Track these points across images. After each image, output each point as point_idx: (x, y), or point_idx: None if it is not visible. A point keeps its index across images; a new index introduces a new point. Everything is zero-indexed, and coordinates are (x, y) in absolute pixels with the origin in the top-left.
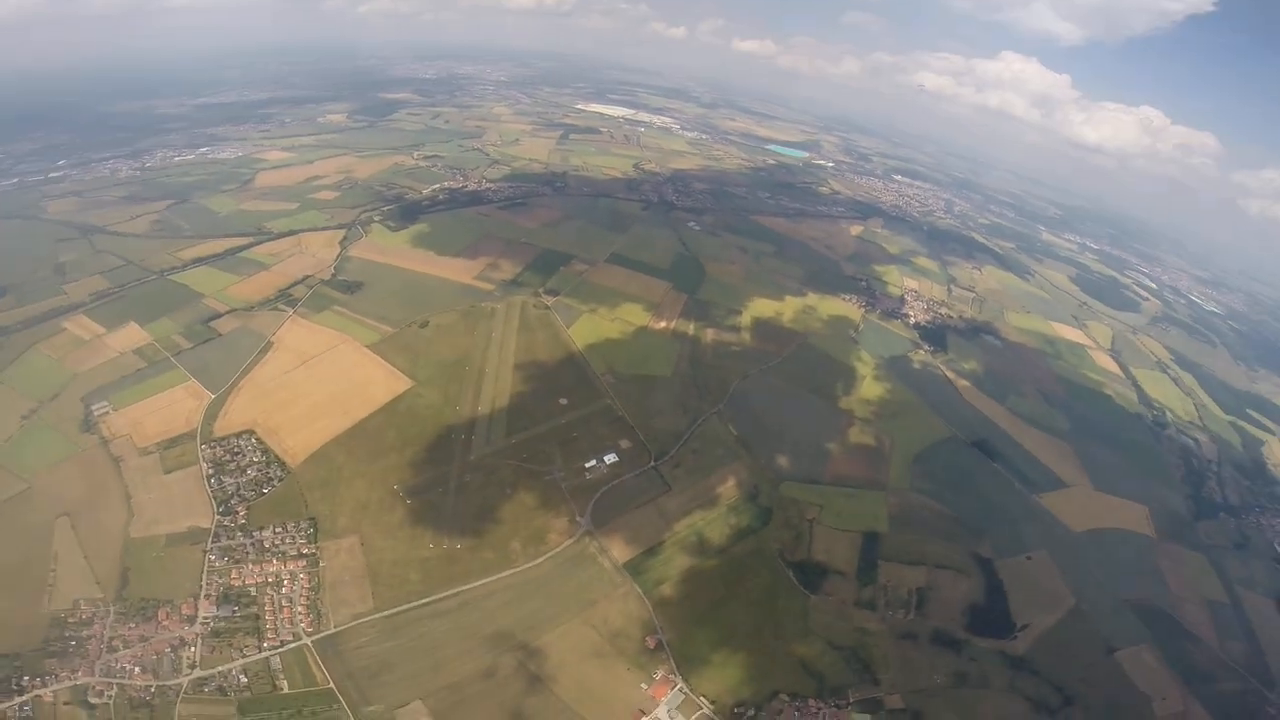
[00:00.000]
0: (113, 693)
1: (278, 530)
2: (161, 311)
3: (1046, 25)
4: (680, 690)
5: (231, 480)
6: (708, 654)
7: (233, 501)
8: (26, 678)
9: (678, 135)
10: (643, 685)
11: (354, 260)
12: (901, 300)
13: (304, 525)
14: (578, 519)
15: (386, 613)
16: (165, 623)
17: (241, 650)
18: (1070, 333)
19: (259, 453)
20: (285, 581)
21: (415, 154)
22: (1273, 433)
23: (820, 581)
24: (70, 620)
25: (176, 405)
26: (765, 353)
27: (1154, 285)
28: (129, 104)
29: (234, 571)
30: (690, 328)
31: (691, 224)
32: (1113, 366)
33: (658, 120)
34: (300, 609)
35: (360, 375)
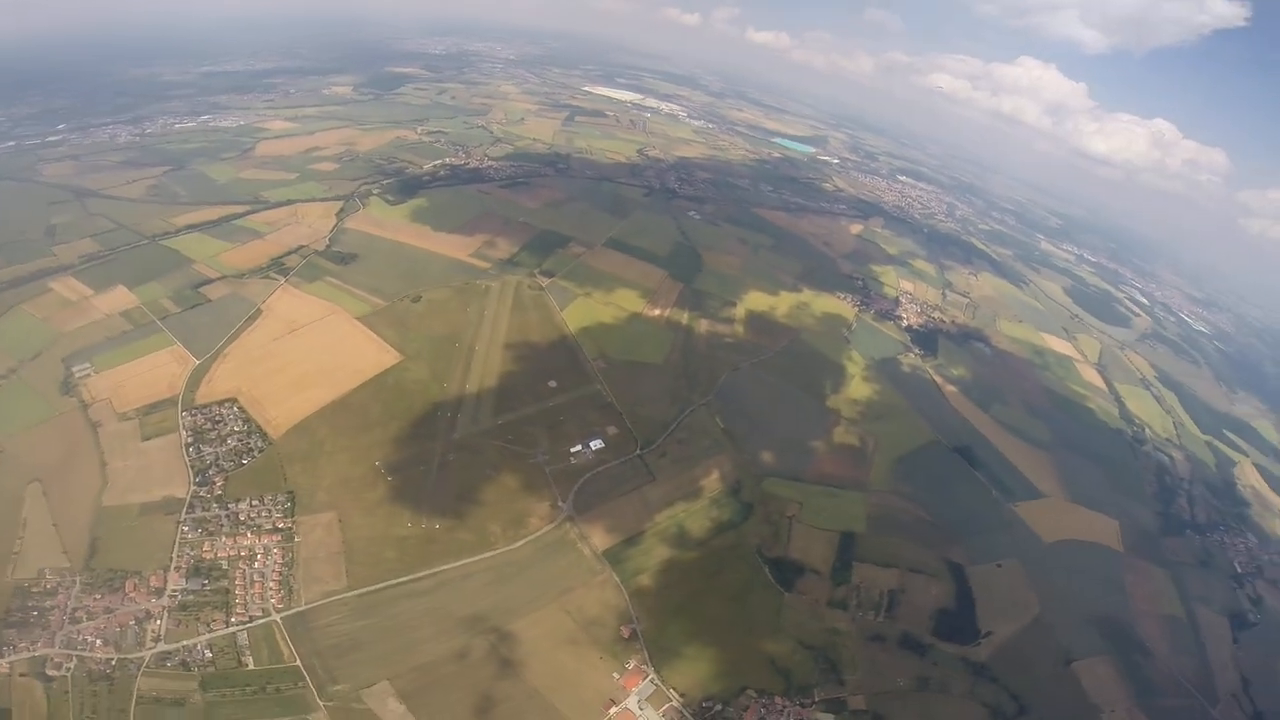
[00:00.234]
0: (72, 665)
1: (254, 503)
2: (151, 275)
3: (1071, 32)
4: (651, 681)
5: (211, 450)
6: (680, 646)
7: (210, 472)
8: None
9: (684, 123)
10: (615, 675)
11: (350, 232)
12: (896, 302)
13: (281, 499)
14: (560, 504)
15: (359, 591)
16: (132, 594)
17: (208, 625)
18: (1059, 344)
19: (241, 422)
20: (258, 556)
21: (419, 129)
22: (1246, 454)
23: (795, 579)
24: (34, 590)
25: (160, 370)
26: (757, 346)
27: (1146, 301)
28: (134, 70)
29: (206, 544)
30: (684, 317)
31: (692, 213)
32: (1098, 380)
33: (665, 107)
34: (272, 584)
35: (349, 347)
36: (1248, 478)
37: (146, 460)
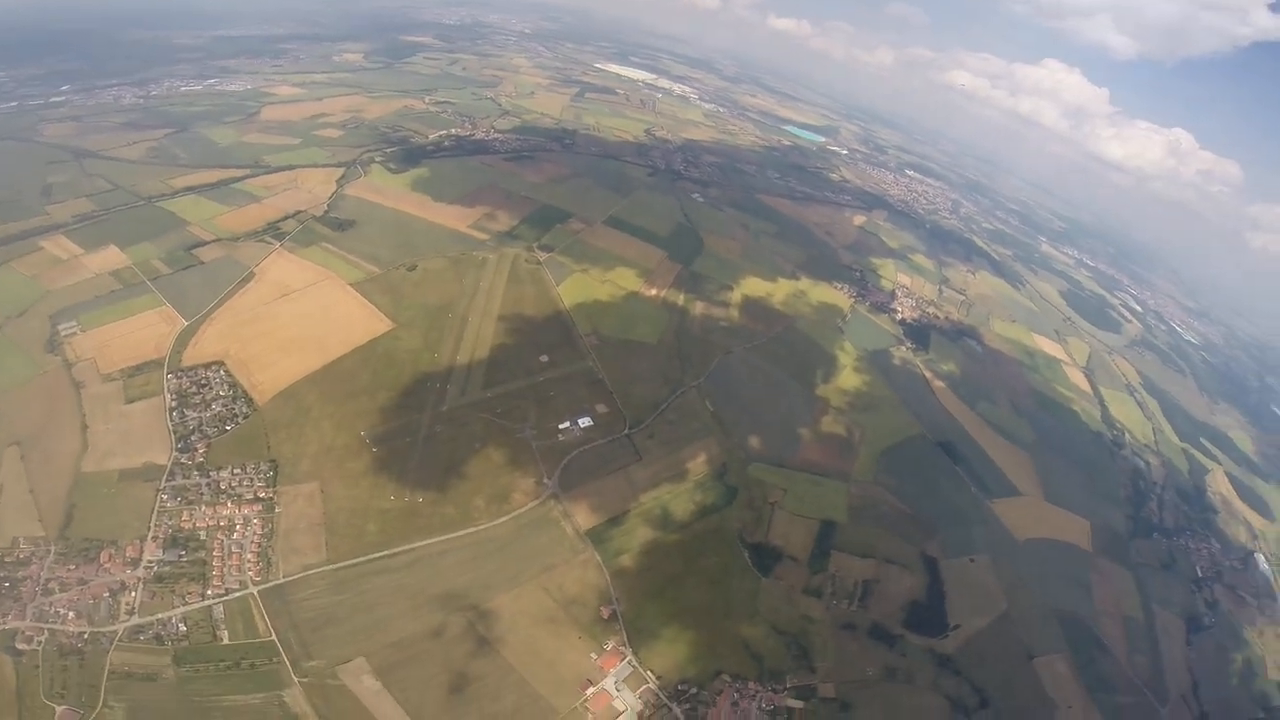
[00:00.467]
0: (43, 638)
1: (236, 471)
2: (144, 236)
3: (1103, 37)
4: (629, 663)
5: (194, 414)
6: (659, 628)
7: (193, 438)
8: None
9: (695, 105)
10: (593, 655)
11: (349, 199)
12: (892, 295)
13: (264, 467)
14: (545, 481)
15: (339, 565)
16: (107, 565)
17: (184, 597)
18: (1050, 346)
19: (226, 386)
20: (238, 526)
21: (427, 98)
22: (1219, 463)
23: (773, 565)
24: (7, 560)
25: (147, 330)
26: (752, 331)
27: (1139, 308)
28: (144, 32)
29: (185, 513)
30: (680, 298)
31: (696, 195)
32: (1084, 384)
33: (677, 88)
34: (250, 556)
35: (340, 312)
36: (1218, 485)
37: (129, 424)
